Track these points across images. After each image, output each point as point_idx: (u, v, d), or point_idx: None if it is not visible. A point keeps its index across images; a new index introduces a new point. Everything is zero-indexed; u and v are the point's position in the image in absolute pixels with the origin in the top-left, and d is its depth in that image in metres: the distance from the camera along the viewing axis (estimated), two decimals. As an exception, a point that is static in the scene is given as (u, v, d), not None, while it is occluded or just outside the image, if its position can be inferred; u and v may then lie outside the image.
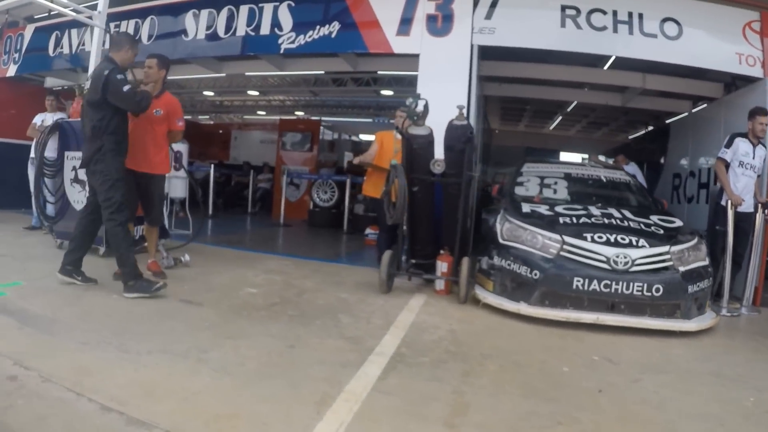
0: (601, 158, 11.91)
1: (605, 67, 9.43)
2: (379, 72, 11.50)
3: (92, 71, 4.88)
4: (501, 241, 5.15)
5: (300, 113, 17.81)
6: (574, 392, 3.25)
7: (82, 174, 6.39)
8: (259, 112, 18.71)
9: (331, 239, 10.45)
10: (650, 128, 14.38)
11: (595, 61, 9.15)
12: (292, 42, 7.70)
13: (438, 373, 3.39)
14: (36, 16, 11.43)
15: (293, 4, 7.71)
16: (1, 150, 9.65)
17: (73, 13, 6.92)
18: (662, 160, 11.12)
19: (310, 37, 7.60)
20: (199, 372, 3.16)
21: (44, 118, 8.24)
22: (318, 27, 7.54)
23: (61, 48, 9.76)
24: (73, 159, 6.66)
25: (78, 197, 6.61)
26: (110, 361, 3.22)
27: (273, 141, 15.73)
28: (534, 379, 3.41)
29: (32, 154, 8.15)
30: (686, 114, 10.32)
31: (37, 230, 8.20)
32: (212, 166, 12.87)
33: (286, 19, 7.74)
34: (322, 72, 12.26)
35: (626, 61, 8.08)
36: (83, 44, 9.38)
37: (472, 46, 6.83)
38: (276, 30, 7.79)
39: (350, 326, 4.25)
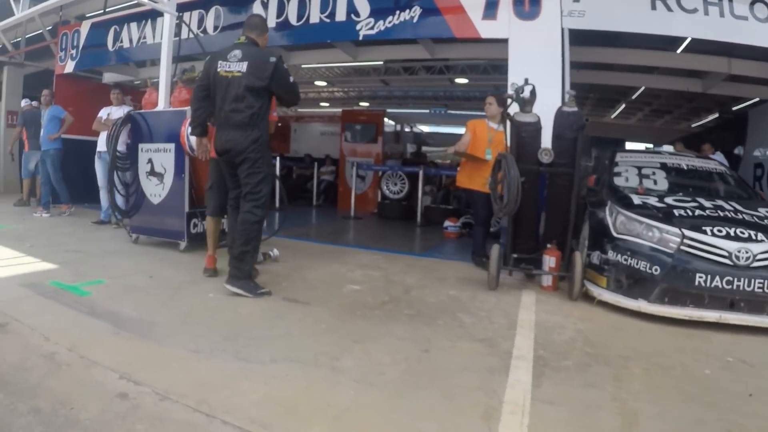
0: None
1: (678, 51, 8.95)
2: (450, 60, 11.11)
3: (236, 54, 4.41)
4: (614, 234, 4.81)
5: (365, 104, 17.50)
6: (728, 397, 2.93)
7: (159, 167, 6.20)
8: (322, 104, 18.47)
9: (407, 232, 10.01)
10: (718, 115, 13.77)
11: (665, 44, 8.71)
12: (371, 28, 7.38)
13: (589, 378, 3.10)
14: (88, 14, 11.34)
15: None
16: (63, 146, 9.39)
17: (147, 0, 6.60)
18: (738, 150, 10.53)
19: (390, 22, 7.27)
20: (339, 383, 2.83)
21: (110, 112, 8.03)
22: (398, 12, 7.20)
23: (121, 42, 9.59)
24: (148, 151, 6.42)
25: (155, 190, 6.36)
26: (232, 372, 2.91)
27: (334, 133, 15.34)
28: (683, 383, 3.10)
29: (99, 148, 7.98)
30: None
31: (106, 224, 8.04)
32: (277, 158, 12.55)
33: (362, 5, 7.42)
34: (399, 59, 11.89)
35: (701, 43, 7.63)
36: (144, 37, 9.21)
37: (562, 29, 6.44)
38: (353, 16, 7.47)
39: (475, 326, 3.96)
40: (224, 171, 4.71)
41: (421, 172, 11.02)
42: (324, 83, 15.12)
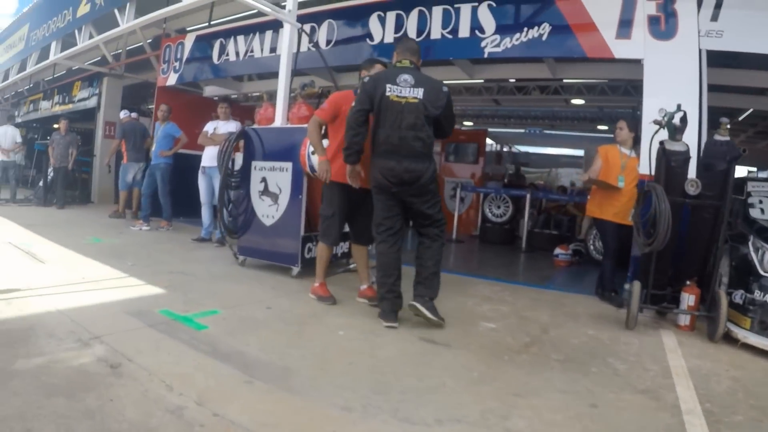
0: None
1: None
2: (564, 80, 10.50)
3: (406, 79, 4.18)
4: (762, 272, 4.43)
5: (468, 123, 17.02)
6: None
7: (273, 186, 5.81)
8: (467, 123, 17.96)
9: (514, 258, 9.47)
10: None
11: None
12: (497, 45, 6.90)
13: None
14: (188, 28, 11.28)
15: (494, 5, 6.91)
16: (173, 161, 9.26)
17: (268, 9, 6.25)
18: None
19: (517, 39, 6.78)
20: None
21: (216, 126, 7.74)
22: (525, 29, 6.72)
23: (227, 56, 9.37)
24: (262, 170, 6.03)
25: (267, 211, 5.96)
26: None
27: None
28: None
29: (204, 163, 7.69)
30: None
31: (206, 242, 7.75)
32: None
33: (487, 21, 6.95)
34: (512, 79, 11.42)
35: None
36: (251, 51, 8.96)
37: (699, 50, 5.89)
38: (477, 32, 7.01)
39: (630, 374, 3.61)
40: (384, 201, 4.34)
41: (528, 196, 10.46)
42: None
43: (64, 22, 11.55)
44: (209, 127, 7.81)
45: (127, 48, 13.55)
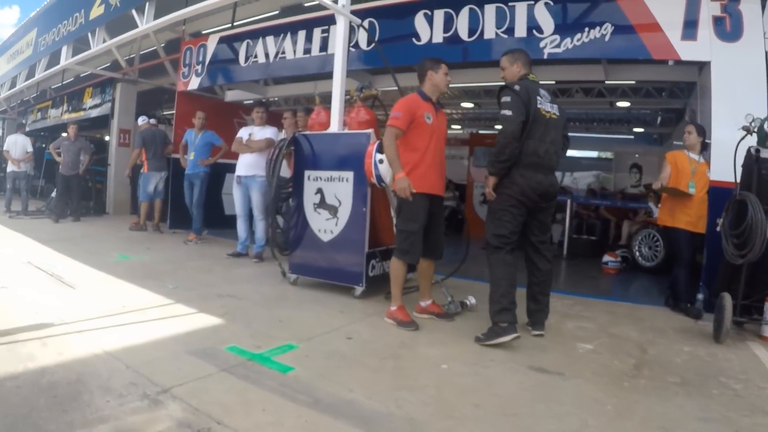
0: None
1: None
2: (606, 82, 9.90)
3: (544, 94, 4.15)
4: None
5: (499, 126, 16.43)
6: None
7: (331, 198, 5.22)
8: (453, 126, 17.38)
9: (558, 266, 8.75)
10: None
11: None
12: (557, 46, 6.32)
13: None
14: (204, 31, 10.71)
15: (551, 3, 6.34)
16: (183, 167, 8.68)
17: (327, 2, 5.63)
18: None
19: (578, 40, 6.22)
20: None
21: (252, 132, 7.10)
22: (587, 29, 6.17)
23: (255, 58, 8.72)
24: (318, 180, 5.40)
25: (325, 225, 5.33)
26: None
27: (460, 157, 14.43)
28: None
29: (239, 173, 7.04)
30: None
31: (242, 257, 7.12)
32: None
33: (545, 20, 6.36)
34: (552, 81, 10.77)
35: None
36: (283, 52, 8.30)
37: (766, 53, 5.48)
38: (535, 32, 6.42)
39: (750, 394, 3.33)
40: (517, 215, 4.11)
41: (569, 202, 9.95)
42: (471, 104, 14.00)
43: (76, 25, 10.99)
44: (243, 134, 7.17)
45: (141, 53, 12.97)
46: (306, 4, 10.09)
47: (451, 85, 10.02)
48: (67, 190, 10.81)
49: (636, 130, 14.52)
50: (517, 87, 4.01)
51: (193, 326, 4.02)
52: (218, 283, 5.58)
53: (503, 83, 4.17)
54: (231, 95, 11.24)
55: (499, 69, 4.51)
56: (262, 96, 11.31)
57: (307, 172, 5.49)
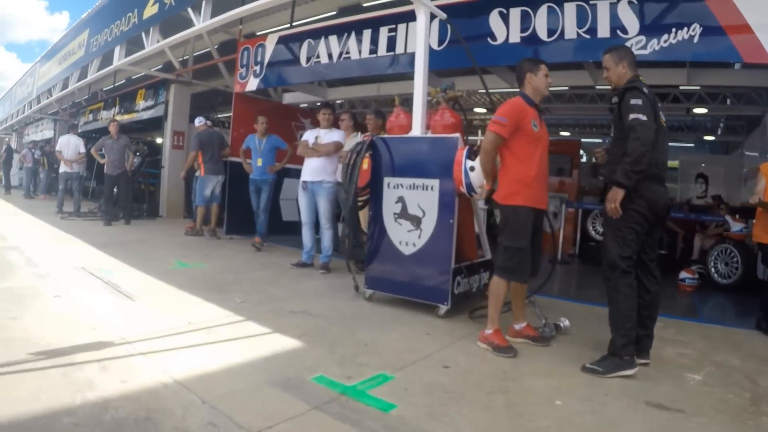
0: None
1: None
2: (681, 87, 9.41)
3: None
4: None
5: (565, 133, 15.96)
6: None
7: (414, 208, 4.87)
8: (563, 132, 16.91)
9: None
10: None
11: None
12: (644, 47, 5.84)
13: None
14: (259, 32, 10.49)
15: (635, 2, 5.88)
16: (244, 171, 8.41)
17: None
18: None
19: (665, 41, 5.74)
20: None
21: (318, 135, 6.75)
22: (674, 30, 5.68)
23: (318, 58, 8.40)
24: (399, 187, 5.02)
25: (406, 237, 4.95)
26: None
27: None
28: None
29: (305, 178, 6.71)
30: None
31: (307, 267, 6.78)
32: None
33: (630, 20, 5.90)
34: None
35: None
36: (347, 52, 7.96)
37: None
38: (619, 33, 5.96)
39: None
40: (640, 232, 3.71)
41: None
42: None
43: (129, 25, 10.86)
44: (309, 137, 6.84)
45: (195, 54, 12.84)
46: (365, 4, 9.81)
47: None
48: (113, 192, 10.58)
49: (707, 138, 13.88)
50: (645, 89, 3.59)
51: (270, 349, 3.65)
52: (288, 297, 5.24)
53: (630, 84, 3.70)
54: (289, 98, 10.95)
55: (579, 72, 4.10)
56: (322, 98, 11.01)
57: (386, 179, 5.12)
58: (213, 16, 8.16)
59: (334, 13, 10.34)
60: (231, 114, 10.24)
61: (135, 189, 11.97)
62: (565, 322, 4.54)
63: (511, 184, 4.00)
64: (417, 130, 5.16)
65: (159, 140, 15.74)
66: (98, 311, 4.26)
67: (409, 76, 8.26)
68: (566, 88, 10.90)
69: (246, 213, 8.77)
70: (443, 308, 4.75)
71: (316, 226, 6.87)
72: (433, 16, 5.66)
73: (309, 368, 3.31)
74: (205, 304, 4.72)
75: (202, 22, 8.31)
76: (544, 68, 4.08)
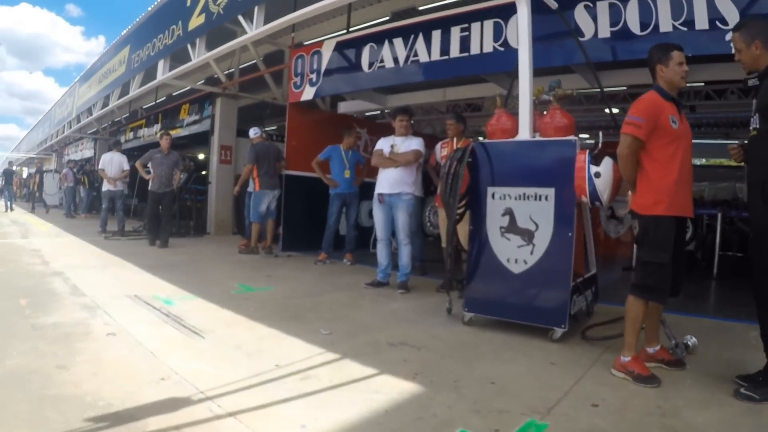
0: None
1: None
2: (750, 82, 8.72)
3: None
4: None
5: None
6: None
7: (525, 220, 4.31)
8: (582, 135, 16.29)
9: (719, 289, 7.71)
10: None
11: None
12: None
13: None
14: (306, 42, 10.05)
15: None
16: (301, 184, 7.95)
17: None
18: None
19: None
20: None
21: (394, 143, 6.19)
22: None
23: (381, 63, 7.86)
24: (506, 198, 4.42)
25: (516, 254, 4.33)
26: None
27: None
28: None
29: (380, 190, 6.14)
30: None
31: (383, 286, 6.21)
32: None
33: (729, 10, 5.19)
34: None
35: None
36: (416, 55, 7.40)
37: None
38: (718, 24, 5.27)
39: None
40: None
41: (719, 216, 8.69)
42: (617, 109, 12.92)
43: (173, 37, 10.51)
44: (383, 145, 6.27)
45: (240, 66, 12.49)
46: (420, 8, 9.31)
47: (607, 89, 9.03)
48: (159, 210, 9.78)
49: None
50: None
51: (387, 399, 2.97)
52: (377, 324, 4.64)
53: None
54: (344, 107, 10.44)
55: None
56: (381, 105, 10.47)
57: (490, 189, 4.51)
58: (265, 23, 7.71)
59: (387, 18, 9.87)
60: (277, 126, 9.79)
61: (182, 206, 11.53)
62: (691, 340, 3.96)
63: (651, 191, 3.41)
64: (525, 133, 4.55)
65: (201, 155, 15.44)
66: (164, 354, 3.56)
67: (480, 79, 7.74)
68: (701, 84, 10.33)
69: (303, 228, 8.38)
70: (559, 331, 4.13)
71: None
72: (535, 7, 5.05)
73: (445, 422, 2.69)
74: (288, 338, 4.09)
75: (255, 29, 7.84)
76: (677, 55, 3.46)
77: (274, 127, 14.78)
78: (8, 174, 20.56)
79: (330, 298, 5.62)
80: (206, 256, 8.64)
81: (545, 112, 4.66)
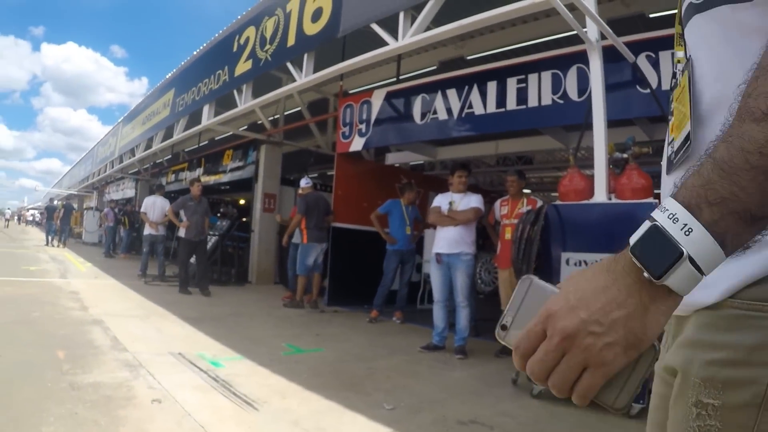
0: None
1: None
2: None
3: None
4: None
5: None
6: None
7: None
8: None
9: None
10: None
11: None
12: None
13: None
14: (351, 91, 9.95)
15: None
16: (348, 237, 7.74)
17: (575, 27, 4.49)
18: None
19: None
20: None
21: (452, 200, 5.93)
22: None
23: (435, 114, 7.67)
24: (582, 265, 4.10)
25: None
26: None
27: None
28: None
29: (439, 249, 5.86)
30: None
31: (439, 350, 5.88)
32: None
33: None
34: None
35: None
36: (470, 106, 7.20)
37: None
38: None
39: None
40: None
41: None
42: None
43: (219, 83, 10.49)
44: (441, 202, 6.02)
45: (285, 113, 12.47)
46: (468, 57, 9.16)
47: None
48: (189, 259, 9.59)
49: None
50: None
51: None
52: (440, 396, 4.30)
53: None
54: (392, 158, 10.25)
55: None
56: (432, 158, 10.26)
57: (565, 255, 4.22)
58: (314, 71, 7.61)
59: (435, 67, 9.75)
60: (319, 174, 9.62)
61: (223, 252, 11.37)
62: None
63: None
64: (601, 194, 4.26)
65: (242, 201, 15.36)
66: (215, 429, 3.24)
67: (533, 131, 7.49)
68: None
69: (349, 282, 8.10)
70: (637, 407, 3.76)
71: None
72: (609, 59, 4.80)
73: None
74: (348, 413, 3.76)
75: (303, 77, 7.73)
76: None
77: (315, 175, 14.67)
78: (50, 210, 21.17)
79: (385, 364, 5.30)
80: (250, 309, 8.39)
81: (618, 171, 4.38)
